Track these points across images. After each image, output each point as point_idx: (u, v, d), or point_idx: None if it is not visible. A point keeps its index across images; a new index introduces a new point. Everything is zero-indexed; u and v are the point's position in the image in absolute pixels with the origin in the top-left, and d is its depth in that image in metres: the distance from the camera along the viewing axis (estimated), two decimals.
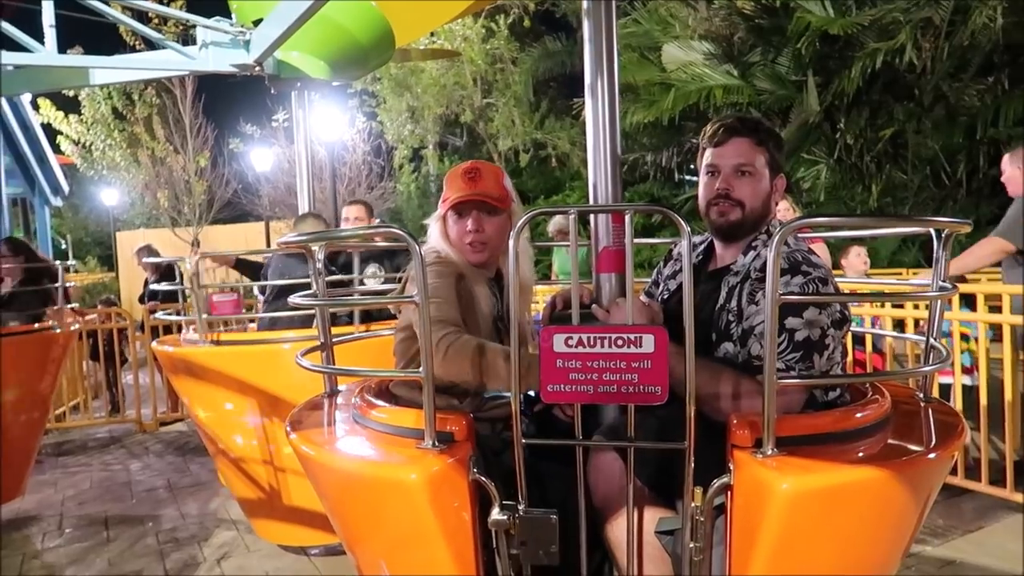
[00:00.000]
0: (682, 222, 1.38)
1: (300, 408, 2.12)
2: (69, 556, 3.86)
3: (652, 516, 1.59)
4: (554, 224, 7.57)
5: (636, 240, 1.74)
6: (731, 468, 1.41)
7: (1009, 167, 4.12)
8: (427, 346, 1.48)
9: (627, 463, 1.50)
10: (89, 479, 5.35)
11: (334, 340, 2.20)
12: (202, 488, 4.93)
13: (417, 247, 1.47)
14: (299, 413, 2.06)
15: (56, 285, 4.46)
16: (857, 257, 5.15)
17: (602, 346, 1.40)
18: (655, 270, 2.19)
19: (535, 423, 2.00)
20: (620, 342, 1.39)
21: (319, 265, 2.08)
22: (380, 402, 1.84)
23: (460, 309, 1.88)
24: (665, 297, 2.04)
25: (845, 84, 10.21)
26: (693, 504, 1.40)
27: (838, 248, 5.21)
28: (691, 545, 1.42)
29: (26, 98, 9.24)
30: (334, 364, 2.14)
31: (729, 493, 1.43)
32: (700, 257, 1.98)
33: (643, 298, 2.05)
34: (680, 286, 2.00)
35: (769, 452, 1.38)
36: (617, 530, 1.60)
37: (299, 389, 2.47)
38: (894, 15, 9.84)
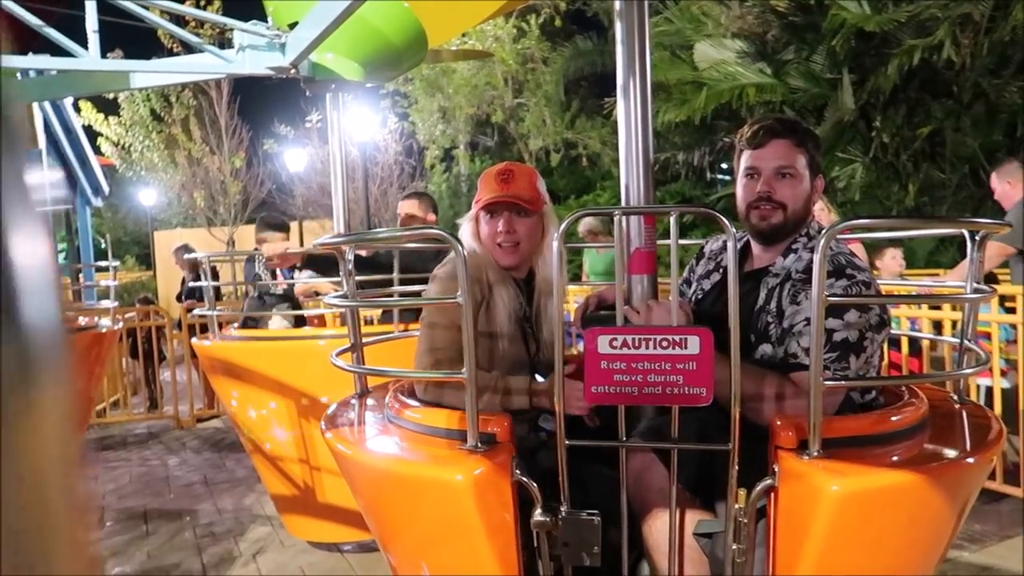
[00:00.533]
0: (728, 224, 1.38)
1: (334, 408, 2.15)
2: (110, 549, 3.96)
3: (691, 518, 1.60)
4: (584, 225, 7.54)
5: (665, 241, 1.75)
6: (775, 469, 1.41)
7: (998, 184, 4.19)
8: (470, 346, 1.49)
9: (670, 465, 1.50)
10: (129, 474, 5.47)
11: (365, 341, 2.23)
12: (237, 484, 5.02)
13: (461, 247, 1.48)
14: (334, 412, 2.09)
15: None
16: (892, 259, 5.09)
17: (647, 347, 1.40)
18: (687, 268, 2.19)
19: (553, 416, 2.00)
20: (665, 343, 1.39)
21: (350, 266, 2.11)
22: (414, 403, 1.86)
23: (475, 314, 1.92)
24: (699, 297, 2.03)
25: (881, 82, 10.04)
26: (736, 506, 1.40)
27: (873, 248, 5.14)
28: (734, 547, 1.42)
29: (68, 100, 9.46)
30: (364, 364, 2.17)
31: (772, 495, 1.42)
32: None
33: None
34: (714, 286, 2.00)
35: (815, 453, 1.38)
36: (655, 532, 1.61)
37: (334, 387, 2.51)
38: (932, 11, 9.64)
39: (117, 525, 4.33)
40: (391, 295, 2.93)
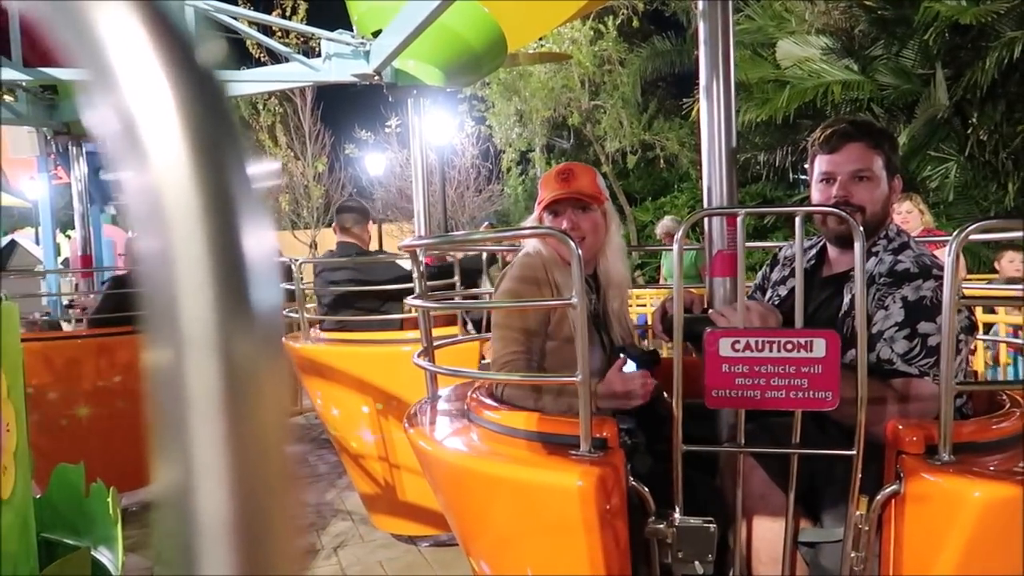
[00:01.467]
0: (856, 225, 1.36)
1: (416, 407, 2.18)
2: None
3: (793, 526, 1.57)
4: (662, 227, 7.48)
5: (748, 244, 1.73)
6: (900, 475, 1.37)
7: None
8: (583, 349, 1.47)
9: (791, 471, 1.48)
10: None
11: (438, 343, 2.25)
12: (320, 480, 5.16)
13: (576, 248, 1.47)
14: (415, 412, 2.12)
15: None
16: (1010, 263, 4.82)
17: (771, 350, 1.38)
18: (759, 275, 2.16)
19: (633, 418, 1.98)
20: (790, 346, 1.37)
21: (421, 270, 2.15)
22: (495, 403, 1.87)
23: (544, 311, 1.93)
24: (776, 303, 2.00)
25: (978, 76, 9.57)
26: (858, 513, 1.37)
27: (972, 252, 4.91)
28: (852, 555, 1.38)
29: None
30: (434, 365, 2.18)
31: (893, 501, 1.38)
32: (812, 262, 1.95)
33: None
34: (791, 292, 1.96)
35: (946, 459, 1.34)
36: (755, 539, 1.58)
37: (415, 389, 2.54)
38: None
39: None
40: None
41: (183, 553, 0.22)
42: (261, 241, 0.24)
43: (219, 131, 0.24)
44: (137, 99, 0.23)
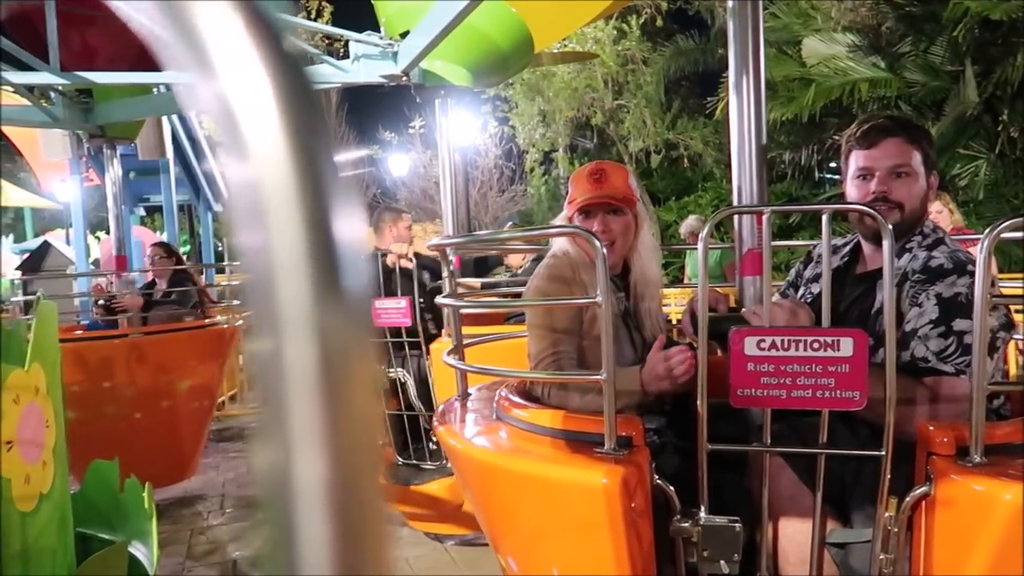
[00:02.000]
0: (884, 223, 1.36)
1: (444, 406, 2.19)
2: (230, 533, 4.18)
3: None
4: (686, 227, 7.45)
5: (780, 243, 1.73)
6: (931, 476, 1.36)
7: None
8: (608, 347, 1.48)
9: (814, 472, 1.47)
10: (247, 464, 5.75)
11: (468, 342, 2.26)
12: None
13: (601, 248, 1.48)
14: (444, 410, 2.13)
15: (199, 287, 4.97)
16: None
17: (797, 349, 1.37)
18: (792, 272, 2.15)
19: (663, 417, 1.98)
20: (816, 345, 1.37)
21: (451, 268, 2.16)
22: (524, 401, 1.88)
23: (577, 310, 1.94)
24: (808, 300, 1.99)
25: (1009, 73, 9.42)
26: (887, 514, 1.36)
27: (1003, 251, 4.84)
28: (881, 556, 1.38)
29: (194, 113, 10.02)
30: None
31: (923, 503, 1.37)
32: (845, 259, 1.93)
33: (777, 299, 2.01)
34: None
35: (977, 460, 1.32)
36: (784, 540, 1.58)
37: (442, 388, 2.56)
38: None
39: (237, 511, 4.57)
40: None
41: (283, 524, 0.24)
42: (353, 228, 0.25)
43: (312, 124, 0.25)
44: (238, 95, 0.24)
